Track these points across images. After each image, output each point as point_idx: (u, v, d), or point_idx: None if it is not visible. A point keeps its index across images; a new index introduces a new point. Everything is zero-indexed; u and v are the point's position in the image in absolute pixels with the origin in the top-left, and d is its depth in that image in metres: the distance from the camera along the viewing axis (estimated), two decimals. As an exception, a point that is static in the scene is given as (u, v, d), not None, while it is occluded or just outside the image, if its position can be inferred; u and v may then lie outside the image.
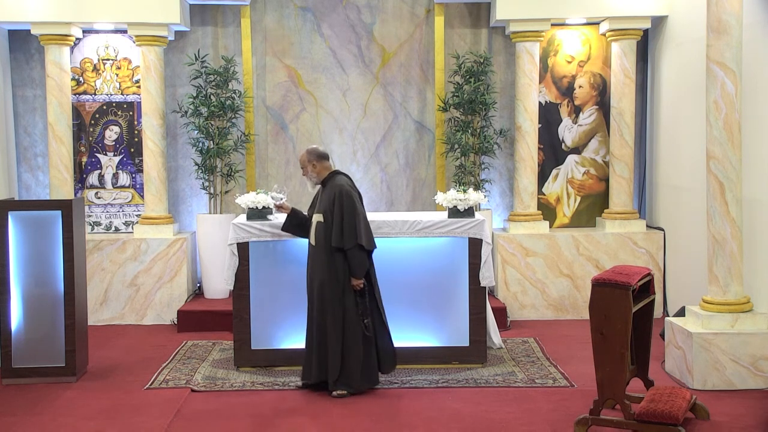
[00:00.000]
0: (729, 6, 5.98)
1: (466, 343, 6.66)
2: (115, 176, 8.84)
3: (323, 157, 6.22)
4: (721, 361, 5.99)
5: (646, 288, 5.41)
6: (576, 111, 8.85)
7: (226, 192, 8.75)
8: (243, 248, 6.59)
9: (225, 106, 8.47)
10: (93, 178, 8.83)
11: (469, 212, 6.72)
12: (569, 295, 8.39)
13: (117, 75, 8.80)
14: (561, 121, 8.85)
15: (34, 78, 8.85)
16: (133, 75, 8.80)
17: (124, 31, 8.66)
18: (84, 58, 8.77)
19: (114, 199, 8.84)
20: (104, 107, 8.80)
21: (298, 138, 9.06)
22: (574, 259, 8.38)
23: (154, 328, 8.22)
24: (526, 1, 8.29)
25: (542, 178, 8.83)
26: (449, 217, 6.72)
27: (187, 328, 7.99)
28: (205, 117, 8.46)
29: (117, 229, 8.84)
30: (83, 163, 8.80)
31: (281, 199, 6.53)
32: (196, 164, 8.63)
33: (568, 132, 8.87)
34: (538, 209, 8.69)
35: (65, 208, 6.34)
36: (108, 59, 8.79)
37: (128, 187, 8.85)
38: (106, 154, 8.82)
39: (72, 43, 8.49)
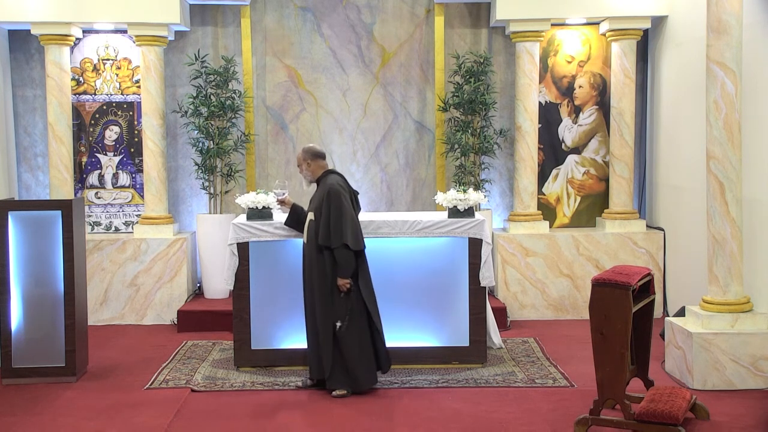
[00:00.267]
0: (729, 6, 5.98)
1: (466, 343, 6.66)
2: (115, 176, 8.84)
3: (318, 156, 6.22)
4: (721, 361, 5.99)
5: (646, 288, 5.41)
6: (576, 111, 8.85)
7: (226, 192, 8.75)
8: (243, 248, 6.59)
9: (225, 106, 8.47)
10: (93, 178, 8.83)
11: (469, 212, 6.72)
12: (569, 295, 8.39)
13: (117, 75, 8.80)
14: (561, 121, 8.85)
15: (34, 78, 8.86)
16: (133, 75, 8.80)
17: (124, 31, 8.66)
18: (84, 58, 8.77)
19: (114, 199, 8.84)
20: (104, 107, 8.80)
21: (298, 138, 9.06)
22: (574, 259, 8.38)
23: (154, 328, 8.22)
24: (526, 1, 8.29)
25: (542, 178, 8.83)
26: (449, 217, 6.72)
27: (187, 328, 7.99)
28: (205, 117, 8.46)
29: (117, 229, 8.84)
30: (83, 163, 8.80)
31: (283, 193, 6.54)
32: (196, 164, 8.63)
33: (568, 132, 8.87)
34: (538, 209, 8.69)
35: (65, 208, 6.34)
36: (108, 59, 8.80)
37: (128, 187, 8.85)
38: (106, 154, 8.82)
39: (72, 43, 8.50)
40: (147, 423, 5.45)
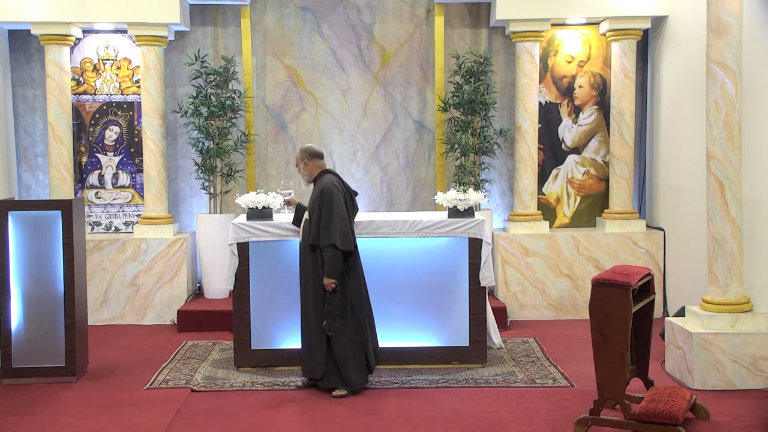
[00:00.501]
0: (729, 6, 5.98)
1: (466, 343, 6.66)
2: (115, 176, 8.84)
3: (315, 155, 6.23)
4: (721, 361, 5.99)
5: (646, 288, 5.41)
6: (576, 111, 8.85)
7: (226, 192, 8.76)
8: (243, 248, 6.59)
9: (225, 106, 8.47)
10: (93, 178, 8.83)
11: (469, 212, 6.72)
12: (569, 295, 8.39)
13: (117, 75, 8.80)
14: (561, 121, 8.85)
15: (34, 78, 8.86)
16: (133, 75, 8.80)
17: (124, 31, 8.66)
18: (84, 58, 8.77)
19: (114, 199, 8.84)
20: (104, 107, 8.80)
21: (298, 138, 9.06)
22: (574, 259, 8.38)
23: (154, 328, 8.22)
24: (526, 1, 8.29)
25: (542, 178, 8.83)
26: (449, 217, 6.72)
27: (187, 328, 7.99)
28: (205, 117, 8.46)
29: (117, 229, 8.84)
30: (83, 163, 8.80)
31: (289, 194, 6.56)
32: (196, 164, 8.63)
33: (568, 132, 8.87)
34: (538, 209, 8.69)
35: (65, 208, 6.34)
36: (108, 59, 8.80)
37: (128, 187, 8.85)
38: (106, 154, 8.82)
39: (72, 43, 8.50)
40: (147, 423, 5.45)
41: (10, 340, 6.34)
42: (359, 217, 6.60)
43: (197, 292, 8.80)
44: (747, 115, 6.28)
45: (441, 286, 6.69)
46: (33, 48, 8.80)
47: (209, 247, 8.44)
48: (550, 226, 8.77)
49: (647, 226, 8.60)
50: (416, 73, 9.09)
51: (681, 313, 6.88)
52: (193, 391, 6.12)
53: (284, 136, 9.12)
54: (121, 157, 8.83)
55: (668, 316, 7.79)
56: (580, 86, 8.81)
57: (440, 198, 6.85)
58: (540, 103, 8.72)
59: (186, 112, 8.59)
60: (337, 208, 5.95)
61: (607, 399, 5.09)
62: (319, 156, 6.26)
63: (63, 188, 8.39)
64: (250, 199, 6.69)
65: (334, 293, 5.99)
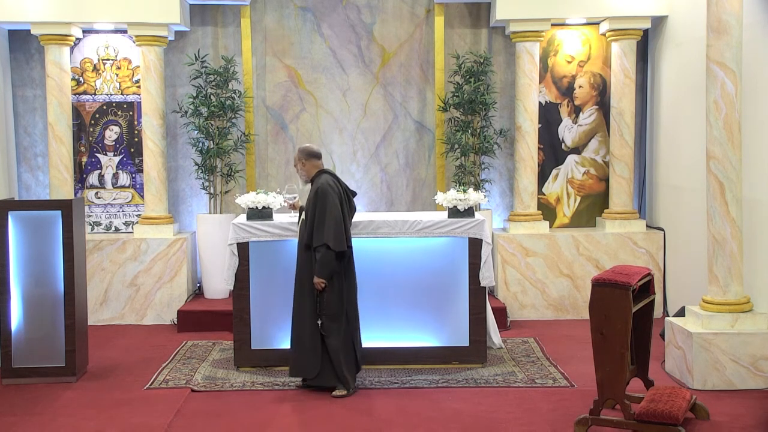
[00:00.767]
0: (729, 6, 5.98)
1: (466, 343, 6.66)
2: (115, 176, 8.84)
3: (313, 155, 6.23)
4: (721, 361, 5.99)
5: (646, 288, 5.41)
6: (576, 111, 8.85)
7: (226, 192, 8.76)
8: (243, 248, 6.59)
9: (225, 106, 8.47)
10: (93, 178, 8.83)
11: (469, 212, 6.72)
12: (569, 295, 8.39)
13: (117, 75, 8.80)
14: (561, 121, 8.85)
15: (34, 78, 8.86)
16: (133, 75, 8.80)
17: (124, 31, 8.66)
18: (84, 58, 8.77)
19: (114, 199, 8.84)
20: (104, 107, 8.80)
21: (298, 138, 9.06)
22: (574, 259, 8.38)
23: (154, 328, 8.22)
24: (526, 1, 8.29)
25: (542, 178, 8.83)
26: (449, 217, 6.72)
27: (187, 328, 7.99)
28: (205, 117, 8.46)
29: (117, 229, 8.84)
30: (83, 163, 8.80)
31: (294, 197, 6.56)
32: (196, 164, 8.63)
33: (568, 132, 8.87)
34: (538, 209, 8.69)
35: (65, 208, 6.34)
36: (108, 59, 8.80)
37: (128, 187, 8.85)
38: (106, 154, 8.82)
39: (72, 43, 8.50)
40: (147, 423, 5.45)
41: (10, 340, 6.34)
42: (359, 217, 6.60)
43: (197, 292, 8.80)
44: (747, 115, 6.28)
45: (441, 286, 6.69)
46: (33, 48, 8.80)
47: (209, 247, 8.44)
48: (550, 226, 8.77)
49: (647, 226, 8.60)
50: (416, 73, 9.08)
51: (681, 313, 6.89)
52: (193, 391, 6.12)
53: (284, 136, 9.12)
54: (121, 157, 8.83)
55: (668, 316, 7.79)
56: (580, 86, 8.81)
57: (440, 198, 6.85)
58: (540, 103, 8.72)
59: (186, 112, 8.59)
60: (331, 208, 5.95)
61: (607, 399, 5.09)
62: (316, 156, 6.26)
63: (63, 188, 8.39)
64: (250, 199, 6.70)
65: (324, 293, 5.99)
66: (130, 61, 8.81)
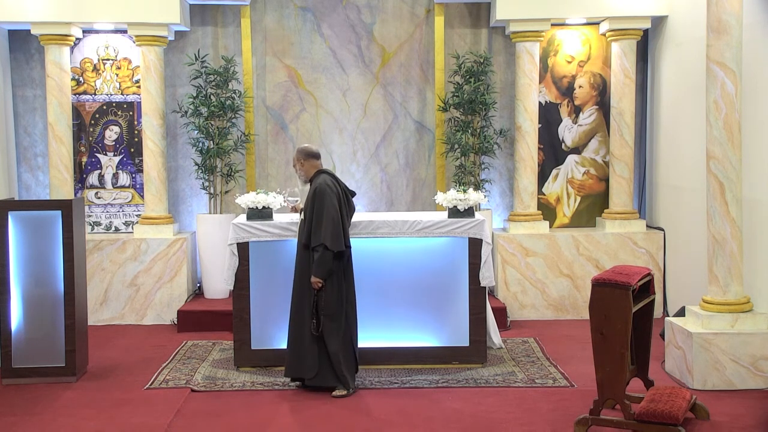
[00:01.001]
0: (729, 6, 5.98)
1: (466, 343, 6.66)
2: (115, 176, 8.84)
3: (312, 155, 6.24)
4: (721, 361, 5.99)
5: (646, 288, 5.41)
6: (576, 111, 8.85)
7: (226, 192, 8.76)
8: (243, 248, 6.59)
9: (225, 106, 8.47)
10: (93, 178, 8.83)
11: (469, 212, 6.72)
12: (569, 295, 8.39)
13: (117, 75, 8.80)
14: (561, 121, 8.85)
15: (34, 78, 8.86)
16: (133, 75, 8.80)
17: (124, 31, 8.66)
18: (84, 58, 8.77)
19: (114, 199, 8.84)
20: (104, 107, 8.80)
21: (298, 138, 9.06)
22: (574, 259, 8.38)
23: (154, 328, 8.22)
24: (526, 1, 8.29)
25: (542, 178, 8.83)
26: (449, 217, 6.72)
27: (187, 328, 7.99)
28: (205, 117, 8.46)
29: (117, 229, 8.84)
30: (83, 163, 8.80)
31: (296, 200, 6.57)
32: (196, 164, 8.63)
33: (568, 132, 8.87)
34: (538, 209, 8.69)
35: (65, 208, 6.34)
36: (108, 59, 8.80)
37: (128, 187, 8.85)
38: (106, 154, 8.82)
39: (72, 43, 8.50)
40: (147, 423, 5.45)
41: (10, 340, 6.34)
42: (359, 217, 6.60)
43: (197, 292, 8.80)
44: (747, 115, 6.28)
45: (441, 286, 6.69)
46: (33, 48, 8.80)
47: (209, 247, 8.44)
48: (550, 226, 8.77)
49: (647, 226, 8.60)
50: (416, 73, 9.08)
51: (681, 313, 6.88)
52: (193, 391, 6.12)
53: (284, 136, 9.12)
54: (121, 157, 8.83)
55: (668, 316, 7.79)
56: (580, 86, 8.81)
57: (440, 198, 6.85)
58: (540, 103, 8.72)
59: (186, 112, 8.59)
60: (329, 208, 5.95)
61: (607, 399, 5.09)
62: (315, 156, 6.26)
63: (63, 188, 8.39)
64: (250, 199, 6.70)
65: (323, 292, 5.99)
66: (130, 61, 8.80)
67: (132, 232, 8.68)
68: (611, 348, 5.01)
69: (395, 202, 9.14)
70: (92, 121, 8.80)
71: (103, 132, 8.81)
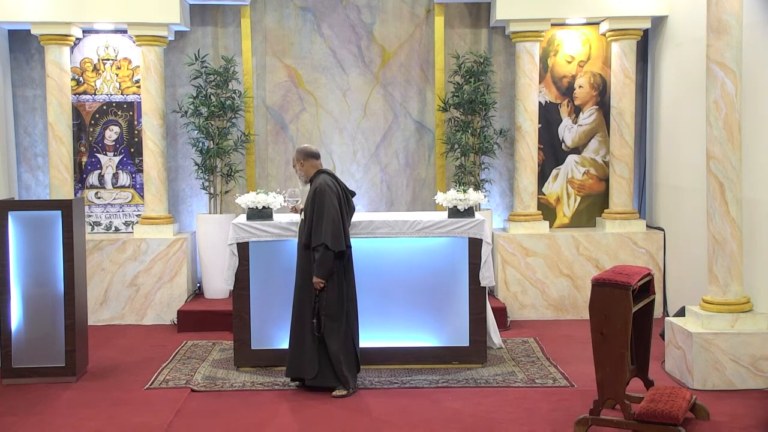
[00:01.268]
0: (729, 6, 5.98)
1: (466, 343, 6.66)
2: (115, 176, 8.84)
3: (311, 155, 6.24)
4: (721, 361, 5.99)
5: (646, 288, 5.41)
6: (576, 111, 8.85)
7: (226, 192, 8.76)
8: (243, 248, 6.59)
9: (225, 106, 8.47)
10: (93, 178, 8.83)
11: (469, 212, 6.72)
12: (569, 295, 8.39)
13: (117, 75, 8.80)
14: (561, 121, 8.85)
15: (34, 78, 8.86)
16: (133, 75, 8.80)
17: (124, 31, 8.66)
18: (84, 58, 8.77)
19: (114, 199, 8.84)
20: (104, 107, 8.80)
21: (298, 138, 9.06)
22: (574, 259, 8.38)
23: (154, 328, 8.22)
24: (526, 1, 8.29)
25: (542, 178, 8.83)
26: (449, 217, 6.72)
27: (187, 328, 7.99)
28: (205, 117, 8.46)
29: (117, 229, 8.84)
30: (83, 163, 8.80)
31: (296, 201, 6.57)
32: (196, 164, 8.63)
33: (568, 132, 8.87)
34: (538, 209, 8.69)
35: (65, 208, 6.34)
36: (108, 59, 8.80)
37: (128, 187, 8.85)
38: (106, 154, 8.82)
39: (72, 43, 8.50)
40: (147, 423, 5.45)
41: (10, 340, 6.34)
42: (359, 217, 6.60)
43: (197, 292, 8.80)
44: (747, 115, 6.28)
45: (441, 286, 6.69)
46: (33, 48, 8.80)
47: (209, 247, 8.44)
48: (550, 226, 8.77)
49: (647, 226, 8.60)
50: (416, 73, 9.09)
51: (681, 313, 6.89)
52: (193, 391, 6.12)
53: (284, 136, 9.12)
54: (121, 157, 8.83)
55: (668, 316, 7.79)
56: (580, 86, 8.81)
57: (440, 198, 6.85)
58: (540, 103, 8.72)
59: (186, 112, 8.59)
60: (329, 208, 5.95)
61: (607, 399, 5.09)
62: (315, 156, 6.26)
63: (63, 188, 8.39)
64: (250, 199, 6.70)
65: (324, 292, 5.99)
66: (130, 61, 8.81)
67: (132, 232, 8.68)
68: (611, 348, 5.01)
69: (395, 202, 9.14)
70: (92, 121, 8.80)
71: (103, 132, 8.81)
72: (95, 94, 8.80)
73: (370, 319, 6.51)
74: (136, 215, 8.82)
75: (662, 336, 6.79)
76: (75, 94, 8.73)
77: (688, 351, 6.08)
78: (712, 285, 6.17)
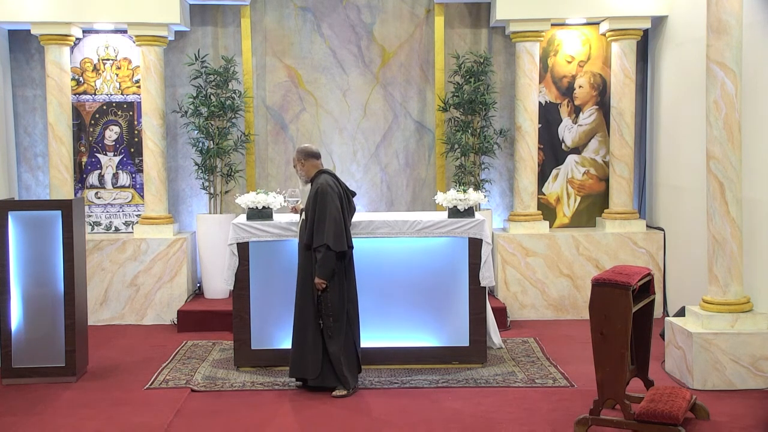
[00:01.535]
0: (729, 6, 5.98)
1: (466, 343, 6.66)
2: (115, 176, 8.84)
3: (312, 155, 6.24)
4: (721, 361, 5.99)
5: (646, 288, 5.41)
6: (576, 111, 8.85)
7: (226, 192, 8.76)
8: (243, 248, 6.59)
9: (225, 106, 8.47)
10: (93, 178, 8.83)
11: (469, 212, 6.72)
12: (569, 295, 8.39)
13: (117, 75, 8.80)
14: (561, 121, 8.86)
15: (34, 78, 8.86)
16: (133, 75, 8.80)
17: (124, 31, 8.66)
18: (84, 58, 8.77)
19: (114, 199, 8.84)
20: (104, 107, 8.80)
21: (298, 138, 9.06)
22: (574, 259, 8.38)
23: (154, 328, 8.22)
24: (526, 1, 8.29)
25: (542, 178, 8.83)
26: (449, 217, 6.72)
27: (187, 328, 8.00)
28: (205, 117, 8.46)
29: (117, 229, 8.84)
30: (83, 163, 8.80)
31: (296, 201, 6.58)
32: (196, 164, 8.64)
33: (568, 132, 8.87)
34: (538, 209, 8.69)
35: (65, 208, 6.34)
36: (108, 59, 8.80)
37: (128, 187, 8.85)
38: (106, 154, 8.82)
39: (72, 43, 8.50)
40: (147, 423, 5.45)
41: (10, 340, 6.34)
42: (359, 217, 6.60)
43: (197, 292, 8.80)
44: (747, 115, 6.28)
45: (441, 286, 6.69)
46: (33, 48, 8.80)
47: (209, 247, 8.44)
48: (550, 226, 8.77)
49: (647, 226, 8.60)
50: (416, 73, 9.09)
51: (681, 313, 6.89)
52: (193, 391, 6.12)
53: (284, 136, 9.12)
54: (121, 157, 8.83)
55: (668, 316, 7.79)
56: (580, 86, 8.82)
57: (440, 198, 6.85)
58: (540, 103, 8.72)
59: (186, 112, 8.59)
60: (331, 208, 5.95)
61: (607, 399, 5.09)
62: (315, 156, 6.26)
63: (63, 188, 8.39)
64: (250, 199, 6.70)
65: (326, 293, 5.99)
66: (130, 61, 8.81)
67: (132, 232, 8.68)
68: (611, 348, 5.01)
69: (395, 202, 9.14)
70: (92, 121, 8.80)
71: (103, 132, 8.81)
72: (95, 94, 8.80)
73: (370, 319, 6.51)
74: (136, 215, 8.82)
75: (662, 336, 6.79)
76: (75, 94, 8.73)
77: (688, 351, 6.08)
78: (712, 285, 6.17)
